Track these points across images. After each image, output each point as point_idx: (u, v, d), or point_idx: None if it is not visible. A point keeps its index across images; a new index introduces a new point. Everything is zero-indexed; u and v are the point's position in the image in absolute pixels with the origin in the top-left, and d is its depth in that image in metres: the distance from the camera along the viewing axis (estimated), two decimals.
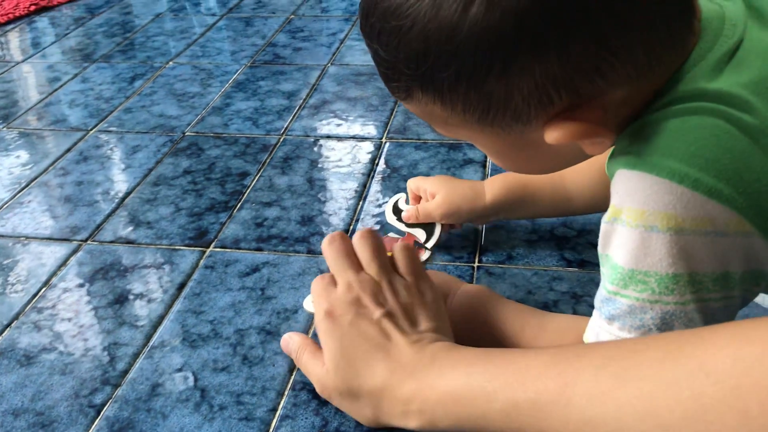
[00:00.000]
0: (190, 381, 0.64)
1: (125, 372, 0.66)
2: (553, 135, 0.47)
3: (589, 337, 0.52)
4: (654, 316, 0.47)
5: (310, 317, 0.70)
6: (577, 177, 0.73)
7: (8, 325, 0.72)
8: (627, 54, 0.44)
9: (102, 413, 0.62)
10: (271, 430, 0.59)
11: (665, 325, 0.47)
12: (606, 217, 0.49)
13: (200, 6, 1.67)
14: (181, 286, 0.76)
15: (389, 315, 0.57)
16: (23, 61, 1.41)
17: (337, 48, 1.36)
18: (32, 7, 1.69)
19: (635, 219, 0.46)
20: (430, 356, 0.54)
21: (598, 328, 0.51)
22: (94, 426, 0.60)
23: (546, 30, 0.42)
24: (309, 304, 0.68)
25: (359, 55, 1.32)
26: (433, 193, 0.76)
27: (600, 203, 0.62)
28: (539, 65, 0.43)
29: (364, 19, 0.49)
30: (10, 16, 1.64)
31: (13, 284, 0.78)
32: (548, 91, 0.45)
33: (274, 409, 0.61)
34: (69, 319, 0.73)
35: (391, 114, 1.10)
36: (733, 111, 0.45)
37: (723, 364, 0.37)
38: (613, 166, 0.48)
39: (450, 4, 0.43)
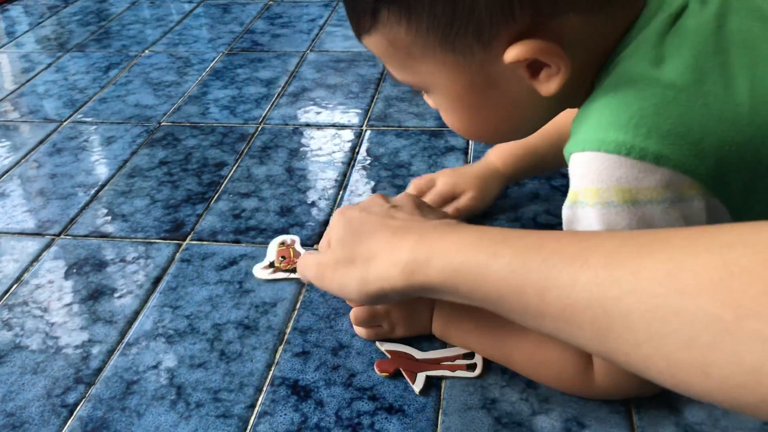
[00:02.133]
0: (166, 378, 0.63)
1: (99, 370, 0.64)
2: (512, 52, 0.47)
3: None
4: None
5: (289, 310, 0.69)
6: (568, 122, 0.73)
7: None
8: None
9: (75, 413, 0.60)
10: (249, 427, 0.58)
11: None
12: (566, 203, 0.49)
13: None
14: (157, 281, 0.74)
15: (397, 208, 0.56)
16: None
17: (317, 34, 1.34)
18: None
19: (592, 198, 0.46)
20: (433, 224, 0.51)
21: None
22: (66, 426, 0.59)
23: None
24: (258, 271, 0.71)
25: (339, 42, 1.30)
26: (461, 190, 0.75)
27: None
28: None
29: None
30: None
31: None
32: (511, 1, 0.45)
33: (252, 406, 0.59)
34: (41, 317, 0.71)
35: (372, 101, 1.08)
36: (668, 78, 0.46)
37: (763, 239, 0.34)
38: (568, 151, 0.49)
39: None
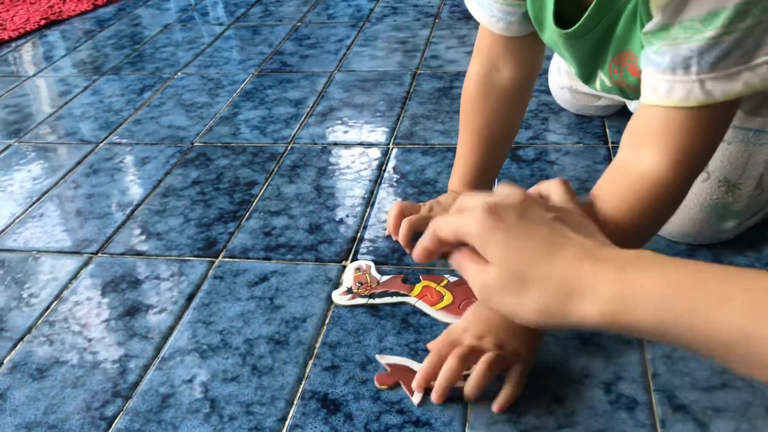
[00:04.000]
0: (200, 392, 0.65)
1: (136, 384, 0.66)
2: None
3: (676, 95, 0.55)
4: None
5: (318, 325, 0.71)
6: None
7: (20, 338, 0.73)
8: None
9: (113, 425, 0.62)
10: None
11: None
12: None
13: (208, 16, 1.69)
14: (191, 297, 0.76)
15: (560, 219, 0.48)
16: (35, 74, 1.42)
17: (344, 54, 1.37)
18: (42, 21, 1.70)
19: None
20: (634, 253, 0.44)
21: (691, 84, 0.54)
22: None
23: None
24: (338, 297, 0.73)
25: (366, 62, 1.32)
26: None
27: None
28: None
29: None
30: (21, 30, 1.66)
31: (25, 298, 0.79)
32: None
33: (284, 419, 0.61)
34: (80, 332, 0.73)
35: (398, 120, 1.10)
36: None
37: None
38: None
39: None
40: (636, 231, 0.58)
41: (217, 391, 0.64)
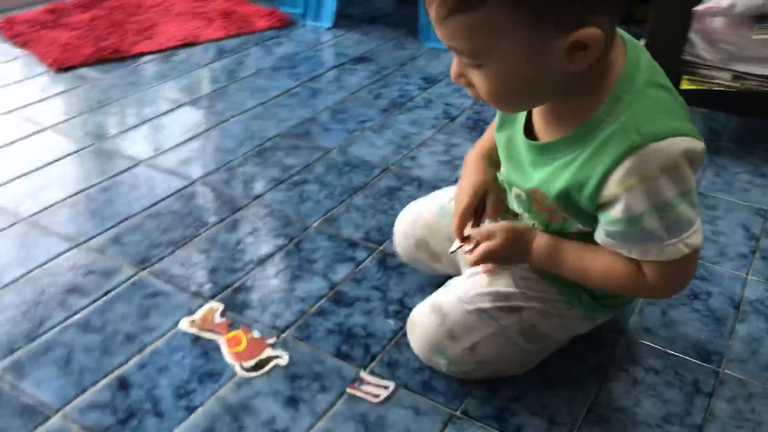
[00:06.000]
0: None
1: None
2: (582, 33, 0.69)
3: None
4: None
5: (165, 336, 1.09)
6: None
7: None
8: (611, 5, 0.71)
9: None
10: None
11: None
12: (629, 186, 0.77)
13: (295, 68, 2.10)
14: None
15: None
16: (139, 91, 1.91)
17: (355, 136, 1.71)
18: (180, 42, 2.20)
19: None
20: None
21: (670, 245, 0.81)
22: None
23: None
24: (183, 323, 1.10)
25: (363, 148, 1.66)
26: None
27: None
28: None
29: None
30: (163, 46, 2.17)
31: None
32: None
33: None
34: None
35: (331, 209, 1.44)
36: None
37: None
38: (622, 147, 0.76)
39: None
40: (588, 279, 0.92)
41: None
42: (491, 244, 0.91)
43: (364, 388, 1.01)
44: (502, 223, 0.93)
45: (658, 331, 1.12)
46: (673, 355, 1.08)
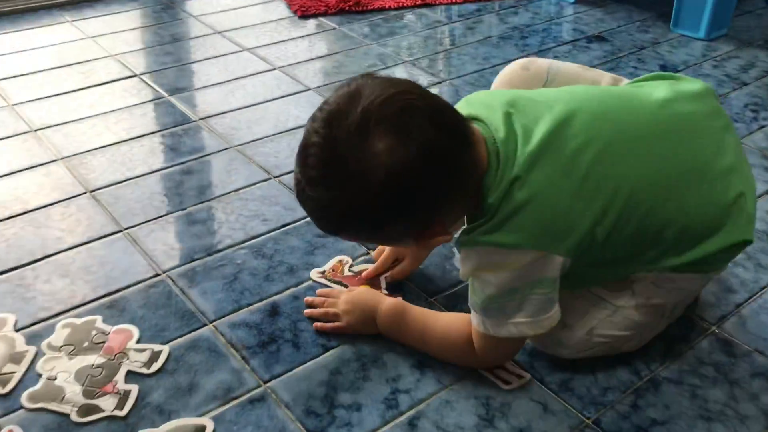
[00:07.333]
0: None
1: None
2: (437, 238, 0.88)
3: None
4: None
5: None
6: None
7: None
8: (451, 206, 0.86)
9: None
10: None
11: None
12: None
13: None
14: None
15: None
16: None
17: None
18: (419, 1, 2.23)
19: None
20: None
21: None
22: None
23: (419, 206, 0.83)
24: (312, 273, 1.14)
25: None
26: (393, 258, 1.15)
27: None
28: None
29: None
30: (401, 3, 2.21)
31: None
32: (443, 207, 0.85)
33: None
34: None
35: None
36: None
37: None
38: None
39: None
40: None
41: None
42: (338, 326, 1.04)
43: (498, 371, 0.97)
44: (353, 293, 1.06)
45: None
46: None
